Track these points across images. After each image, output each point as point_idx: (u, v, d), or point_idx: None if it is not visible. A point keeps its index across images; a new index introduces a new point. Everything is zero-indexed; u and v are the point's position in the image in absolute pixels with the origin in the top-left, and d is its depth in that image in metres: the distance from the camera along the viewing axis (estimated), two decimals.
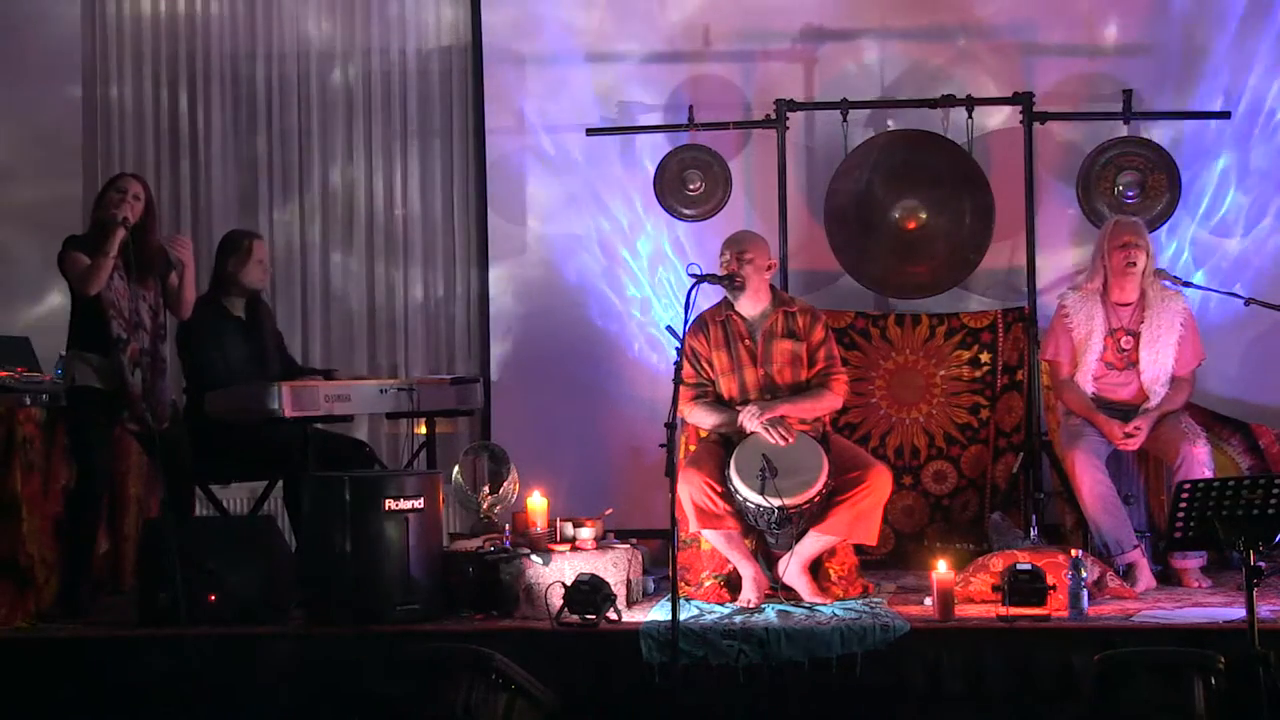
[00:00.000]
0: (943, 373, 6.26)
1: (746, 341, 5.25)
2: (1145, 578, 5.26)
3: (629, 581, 5.17)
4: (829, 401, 5.24)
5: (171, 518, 5.02)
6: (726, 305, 5.32)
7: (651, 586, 5.42)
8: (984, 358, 6.24)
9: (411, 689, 4.19)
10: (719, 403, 5.28)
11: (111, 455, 5.35)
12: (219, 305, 5.72)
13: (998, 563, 5.02)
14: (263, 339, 5.76)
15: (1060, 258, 6.40)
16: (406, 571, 4.88)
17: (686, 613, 4.87)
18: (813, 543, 5.08)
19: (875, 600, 5.06)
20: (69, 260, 5.12)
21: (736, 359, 5.24)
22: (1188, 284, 5.63)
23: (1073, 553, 4.86)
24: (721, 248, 5.31)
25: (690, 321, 5.02)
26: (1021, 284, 6.16)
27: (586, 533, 5.19)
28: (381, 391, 5.65)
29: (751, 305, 5.28)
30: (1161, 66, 6.43)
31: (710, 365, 5.28)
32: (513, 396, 6.72)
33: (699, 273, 4.94)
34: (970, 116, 6.19)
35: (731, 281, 5.19)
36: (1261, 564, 4.07)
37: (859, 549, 5.37)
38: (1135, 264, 5.44)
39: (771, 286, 5.34)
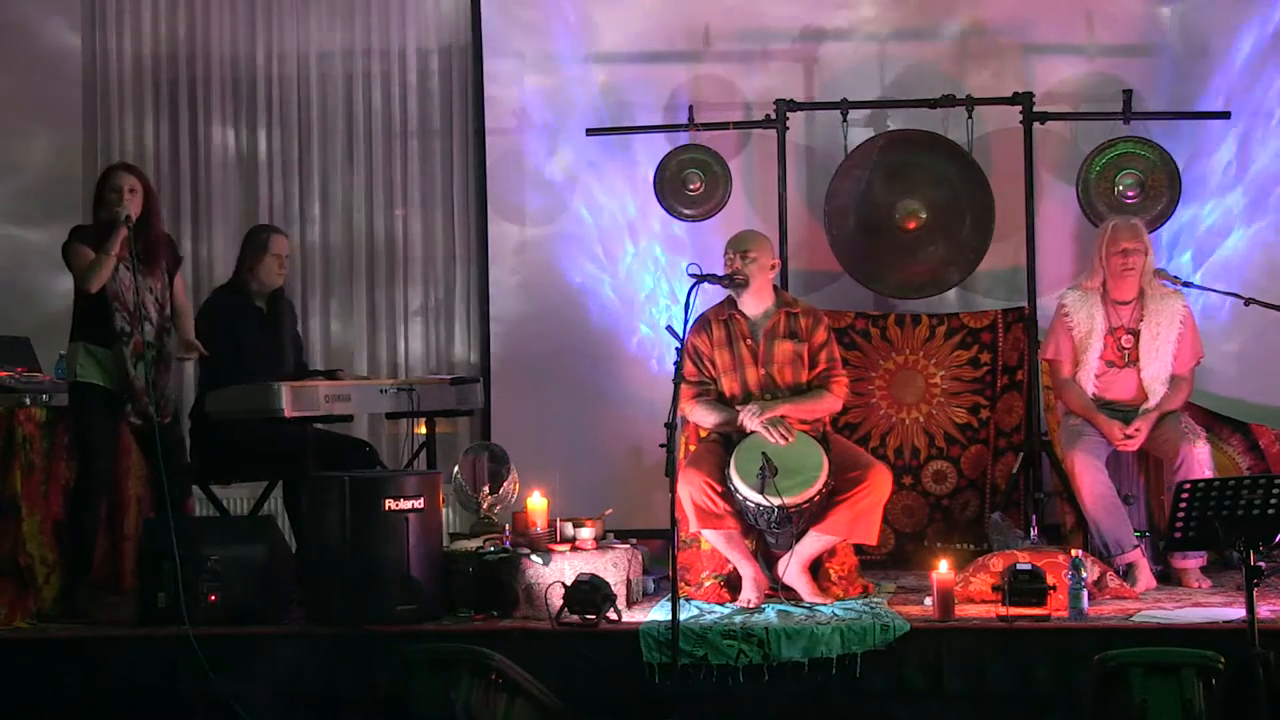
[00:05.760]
0: (943, 373, 6.26)
1: (748, 341, 5.25)
2: (1145, 578, 5.26)
3: (629, 581, 5.17)
4: (829, 403, 5.25)
5: (170, 515, 5.01)
6: (729, 304, 5.32)
7: (651, 586, 5.42)
8: (984, 358, 6.25)
9: (412, 689, 4.19)
10: (720, 401, 5.28)
11: (113, 452, 5.34)
12: (241, 294, 5.73)
13: (998, 563, 5.02)
14: (281, 335, 5.76)
15: (1060, 258, 6.39)
16: (406, 571, 4.88)
17: (686, 613, 4.87)
18: (813, 543, 5.08)
19: (875, 600, 5.06)
20: (74, 253, 5.11)
21: (738, 358, 5.25)
22: (1188, 284, 5.63)
23: (1073, 553, 4.86)
24: (726, 246, 5.31)
25: (692, 321, 5.03)
26: (1021, 284, 6.16)
27: (586, 533, 5.19)
28: (381, 391, 5.65)
29: (754, 305, 5.28)
30: (1161, 66, 6.43)
31: (712, 364, 5.28)
32: (513, 396, 6.72)
33: (699, 273, 4.94)
34: (970, 116, 6.19)
35: (732, 280, 5.20)
36: (1261, 564, 4.08)
37: (859, 549, 5.38)
38: (1133, 269, 5.44)
39: (775, 287, 5.35)
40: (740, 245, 5.27)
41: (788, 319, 5.28)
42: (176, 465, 5.31)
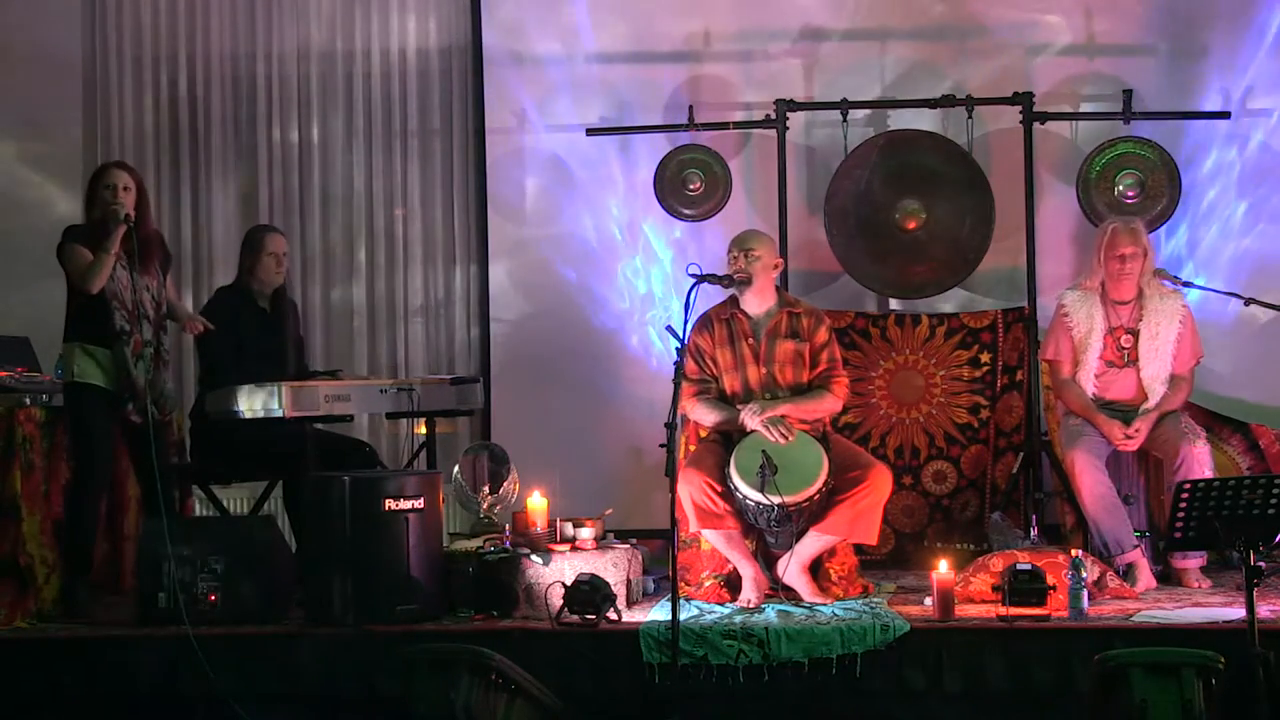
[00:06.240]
0: (943, 373, 6.26)
1: (750, 340, 5.26)
2: (1145, 578, 5.26)
3: (629, 581, 5.17)
4: (829, 403, 5.25)
5: (163, 514, 5.00)
6: (732, 303, 5.33)
7: (651, 586, 5.42)
8: (984, 358, 6.25)
9: (412, 689, 4.19)
10: (721, 400, 5.28)
11: (112, 452, 5.32)
12: (244, 294, 5.73)
13: (998, 563, 5.02)
14: (283, 335, 5.76)
15: (1060, 258, 6.40)
16: (406, 571, 4.88)
17: (686, 613, 4.87)
18: (812, 542, 5.08)
19: (875, 600, 5.05)
20: (71, 253, 5.06)
21: (740, 357, 5.25)
22: (1188, 284, 5.63)
23: (1073, 553, 4.86)
24: (730, 244, 5.31)
25: (693, 320, 5.03)
26: (1021, 284, 6.16)
27: (586, 533, 5.19)
28: (381, 391, 5.65)
29: (757, 304, 5.29)
30: (1161, 66, 6.44)
31: (714, 362, 5.29)
32: (513, 396, 6.72)
33: (699, 273, 4.94)
34: (970, 116, 6.20)
35: (732, 280, 5.20)
36: (1261, 564, 4.07)
37: (859, 549, 5.38)
38: (1130, 274, 5.44)
39: (777, 287, 5.36)
40: (744, 244, 5.28)
41: (790, 319, 5.29)
42: (167, 464, 5.29)
